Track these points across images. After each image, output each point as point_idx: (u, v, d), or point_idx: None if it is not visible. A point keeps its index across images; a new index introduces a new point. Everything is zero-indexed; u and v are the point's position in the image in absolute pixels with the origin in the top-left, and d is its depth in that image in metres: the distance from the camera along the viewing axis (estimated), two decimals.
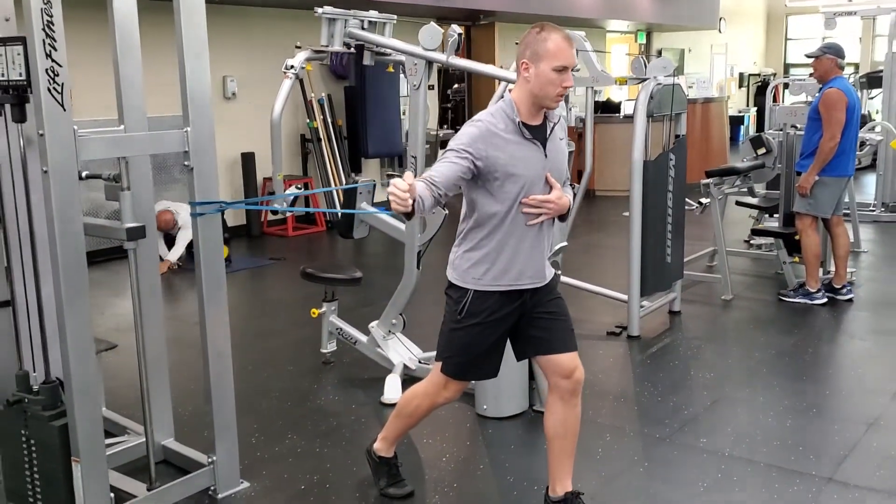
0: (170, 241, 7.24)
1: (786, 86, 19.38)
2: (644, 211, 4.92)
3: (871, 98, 12.86)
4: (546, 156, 2.73)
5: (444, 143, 11.92)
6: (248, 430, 3.74)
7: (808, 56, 5.84)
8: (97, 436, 2.78)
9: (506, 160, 2.63)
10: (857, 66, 17.99)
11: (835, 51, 5.59)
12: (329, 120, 9.18)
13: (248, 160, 8.56)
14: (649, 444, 3.59)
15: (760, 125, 19.09)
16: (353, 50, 4.16)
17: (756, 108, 19.16)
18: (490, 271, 2.74)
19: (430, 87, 10.81)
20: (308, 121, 8.99)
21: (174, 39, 2.87)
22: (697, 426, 3.77)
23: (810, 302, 5.66)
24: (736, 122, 16.81)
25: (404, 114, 9.89)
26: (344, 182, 9.37)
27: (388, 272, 6.52)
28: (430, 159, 10.21)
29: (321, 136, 9.08)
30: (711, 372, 4.50)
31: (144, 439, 3.42)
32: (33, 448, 2.88)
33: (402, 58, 4.37)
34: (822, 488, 3.18)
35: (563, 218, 2.84)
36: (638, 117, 4.83)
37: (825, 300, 5.66)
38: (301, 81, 9.11)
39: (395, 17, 4.29)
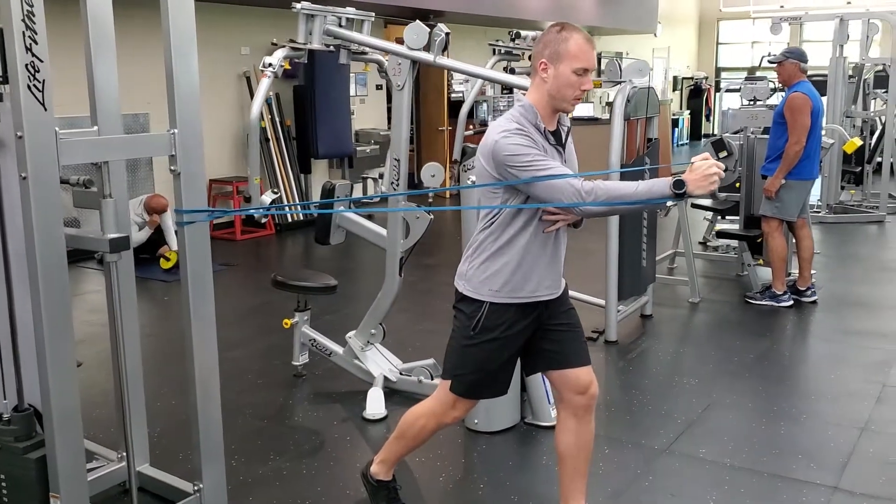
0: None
1: (718, 89, 19.84)
2: (621, 215, 4.84)
3: None
4: (564, 161, 2.61)
5: None
6: (226, 450, 3.45)
7: (770, 62, 5.87)
8: (79, 469, 2.53)
9: None
10: None
11: (797, 55, 5.63)
12: (277, 120, 8.90)
13: None
14: (650, 456, 3.50)
15: (694, 128, 19.49)
16: (332, 48, 3.95)
17: (689, 111, 19.53)
18: (509, 283, 2.59)
19: (379, 87, 10.62)
20: None
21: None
22: (694, 435, 3.70)
23: (777, 304, 5.68)
24: (671, 124, 17.05)
25: (353, 113, 9.68)
26: (293, 183, 9.11)
27: (344, 277, 6.31)
28: (379, 159, 10.00)
29: (269, 137, 8.79)
30: (695, 378, 4.45)
31: (117, 466, 3.19)
32: (4, 484, 2.61)
33: (380, 57, 4.20)
34: (831, 498, 3.13)
35: (577, 225, 2.71)
36: (615, 120, 4.75)
37: (791, 302, 5.69)
38: (248, 80, 8.84)
39: (374, 14, 4.10)
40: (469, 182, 3.63)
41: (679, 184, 2.33)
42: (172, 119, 2.70)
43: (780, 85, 5.86)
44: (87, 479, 2.61)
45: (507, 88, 12.44)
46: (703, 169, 2.33)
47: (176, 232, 7.27)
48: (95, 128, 2.83)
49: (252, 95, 8.67)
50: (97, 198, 2.73)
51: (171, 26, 2.61)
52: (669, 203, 5.98)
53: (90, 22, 2.77)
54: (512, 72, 5.30)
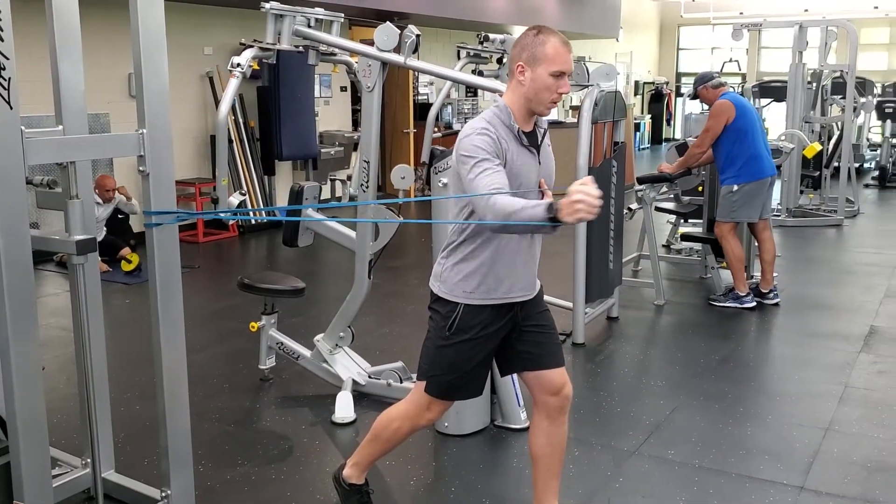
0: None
1: (679, 94, 20.07)
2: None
3: (763, 107, 13.44)
4: (539, 163, 2.61)
5: (356, 146, 11.65)
6: (193, 456, 3.40)
7: (692, 98, 6.05)
8: (44, 476, 2.47)
9: (509, 168, 2.49)
10: (744, 76, 18.76)
11: (702, 80, 5.86)
12: (241, 121, 8.81)
13: None
14: (619, 458, 3.52)
15: (656, 132, 19.71)
16: (300, 49, 3.92)
17: (651, 116, 19.74)
18: (483, 284, 2.58)
19: (343, 89, 10.57)
20: None
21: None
22: (662, 437, 3.73)
23: (740, 305, 5.76)
24: (633, 129, 17.21)
25: (318, 115, 9.63)
26: (257, 185, 9.02)
27: (308, 279, 6.24)
28: (344, 161, 9.95)
29: (232, 138, 8.68)
30: (662, 379, 4.49)
31: (81, 472, 3.13)
32: None
33: (349, 58, 4.17)
34: (797, 498, 3.18)
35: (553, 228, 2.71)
36: (583, 124, 4.77)
37: (754, 303, 5.77)
38: (211, 80, 8.73)
39: (343, 15, 4.08)
40: (440, 184, 3.62)
41: (551, 207, 2.20)
42: (141, 119, 2.64)
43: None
44: (52, 486, 2.55)
45: (472, 91, 12.50)
46: (572, 197, 2.15)
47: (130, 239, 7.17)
48: (60, 127, 2.77)
49: (215, 96, 8.60)
50: (62, 198, 2.67)
51: (140, 26, 2.56)
52: (633, 206, 6.10)
53: (55, 19, 2.71)
54: (480, 74, 5.30)
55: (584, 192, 2.14)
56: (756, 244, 6.05)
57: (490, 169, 2.39)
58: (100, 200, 6.95)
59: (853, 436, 3.75)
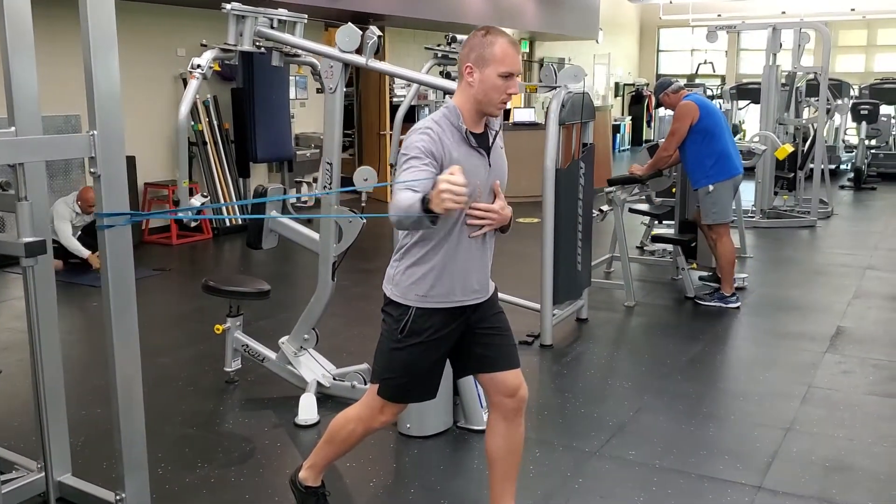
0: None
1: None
2: (556, 219, 4.88)
3: (741, 109, 13.53)
4: (490, 165, 2.61)
5: None
6: (153, 458, 3.38)
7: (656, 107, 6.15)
8: None
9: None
10: (723, 78, 18.88)
11: (661, 87, 5.96)
12: (215, 123, 8.77)
13: (128, 164, 8.03)
14: (580, 459, 3.52)
15: (636, 134, 19.78)
16: (262, 50, 3.90)
17: (631, 118, 19.81)
18: (435, 287, 2.58)
19: (319, 91, 10.53)
20: (192, 123, 8.55)
21: (71, 32, 2.57)
22: (624, 438, 3.74)
23: (725, 305, 5.80)
24: (613, 130, 17.27)
25: (293, 117, 9.60)
26: (231, 188, 8.98)
27: (280, 282, 6.25)
28: (319, 164, 9.92)
29: (207, 140, 8.65)
30: (628, 381, 4.50)
31: (37, 476, 3.10)
32: None
33: (314, 59, 4.17)
34: (754, 498, 3.19)
35: (504, 229, 2.71)
36: (550, 125, 4.79)
37: (739, 304, 5.81)
38: (184, 82, 8.68)
39: (306, 16, 4.07)
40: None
41: (425, 199, 2.23)
42: (92, 120, 2.64)
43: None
44: (1, 490, 2.53)
45: (450, 93, 12.52)
46: (438, 187, 2.18)
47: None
48: (13, 129, 2.75)
49: None
50: (13, 200, 2.65)
51: (89, 24, 2.56)
52: (604, 208, 6.11)
53: (6, 19, 2.69)
54: (448, 76, 5.31)
55: (449, 182, 2.16)
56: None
57: (414, 167, 2.39)
58: (78, 210, 6.96)
59: (813, 435, 3.78)
